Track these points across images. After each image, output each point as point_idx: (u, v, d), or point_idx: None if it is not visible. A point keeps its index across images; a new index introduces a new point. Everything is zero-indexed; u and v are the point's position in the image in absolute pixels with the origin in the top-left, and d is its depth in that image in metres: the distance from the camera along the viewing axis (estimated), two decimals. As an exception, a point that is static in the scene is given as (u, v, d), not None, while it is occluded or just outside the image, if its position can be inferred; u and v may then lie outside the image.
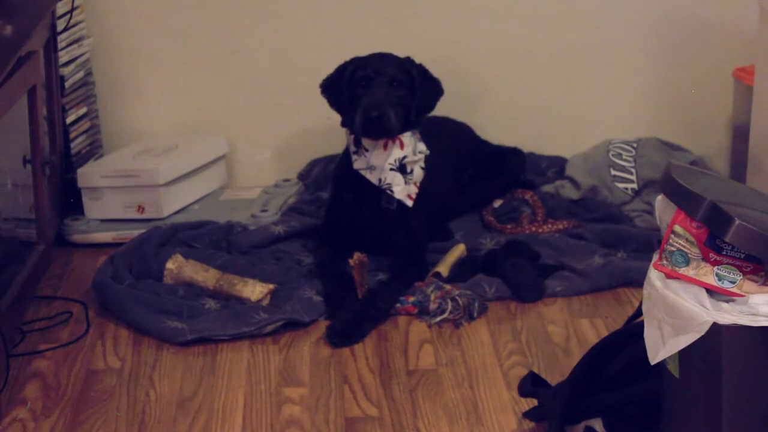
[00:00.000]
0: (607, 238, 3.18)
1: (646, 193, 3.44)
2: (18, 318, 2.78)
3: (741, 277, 1.97)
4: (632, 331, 2.25)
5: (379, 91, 2.97)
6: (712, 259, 1.99)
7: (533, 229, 3.25)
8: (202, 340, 2.78)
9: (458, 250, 3.10)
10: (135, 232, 3.27)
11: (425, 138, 3.11)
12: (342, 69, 3.08)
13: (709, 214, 1.97)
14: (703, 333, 1.93)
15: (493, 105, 3.65)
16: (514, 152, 3.51)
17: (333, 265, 3.02)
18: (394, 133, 2.97)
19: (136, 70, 3.61)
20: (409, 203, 3.03)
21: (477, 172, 3.44)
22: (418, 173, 3.04)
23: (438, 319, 2.84)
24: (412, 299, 2.89)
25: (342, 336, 2.77)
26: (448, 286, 2.91)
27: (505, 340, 2.77)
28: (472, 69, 3.62)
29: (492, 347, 2.74)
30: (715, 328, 1.93)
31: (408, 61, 3.07)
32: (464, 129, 3.52)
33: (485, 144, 3.54)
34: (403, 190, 3.02)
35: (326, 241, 3.12)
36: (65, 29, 3.33)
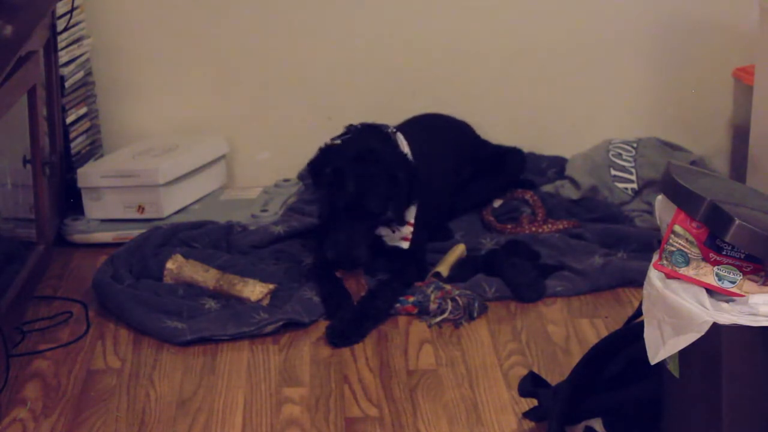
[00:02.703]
0: (607, 238, 3.18)
1: (646, 193, 3.44)
2: (18, 318, 2.78)
3: (741, 277, 1.97)
4: (632, 331, 2.25)
5: (352, 232, 2.89)
6: (712, 259, 1.99)
7: (533, 229, 3.25)
8: (202, 340, 2.78)
9: (458, 250, 3.10)
10: (135, 232, 3.27)
11: (424, 134, 3.10)
12: (321, 163, 2.98)
13: (709, 214, 1.97)
14: (703, 333, 1.93)
15: (493, 105, 3.65)
16: (514, 152, 3.51)
17: (330, 266, 3.01)
18: (368, 262, 2.95)
19: (136, 70, 3.61)
20: (405, 245, 3.01)
21: (477, 171, 3.43)
22: (410, 212, 3.02)
23: (438, 319, 2.84)
24: (412, 299, 2.89)
25: (342, 336, 2.77)
26: (448, 286, 2.90)
27: (505, 340, 2.77)
28: (471, 69, 3.62)
29: (492, 347, 2.74)
30: (715, 328, 1.93)
31: (392, 167, 2.93)
32: (464, 127, 3.52)
33: (485, 143, 3.53)
34: (396, 237, 3.01)
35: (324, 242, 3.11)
36: (65, 29, 3.33)
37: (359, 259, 2.91)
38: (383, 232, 3.01)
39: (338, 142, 3.04)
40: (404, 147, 3.05)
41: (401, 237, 3.00)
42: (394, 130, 3.08)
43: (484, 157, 3.46)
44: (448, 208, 3.33)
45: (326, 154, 3.00)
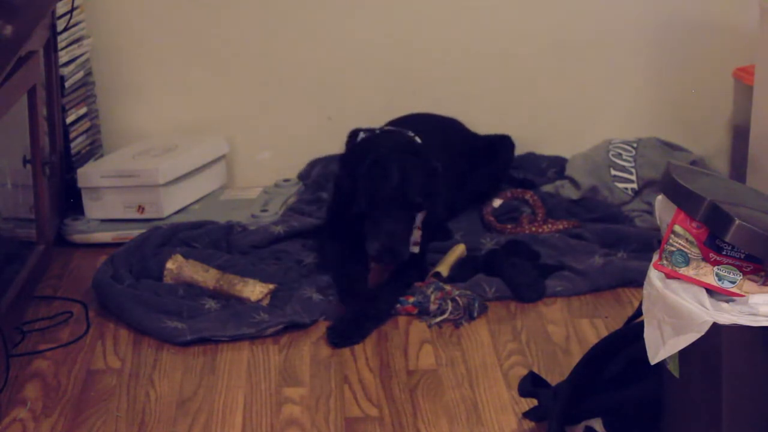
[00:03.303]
0: (607, 238, 3.18)
1: (646, 193, 3.44)
2: (18, 318, 2.78)
3: (741, 277, 1.97)
4: (632, 331, 2.25)
5: (395, 224, 2.87)
6: (712, 259, 1.99)
7: (533, 229, 3.25)
8: (202, 340, 2.78)
9: (458, 250, 3.10)
10: (135, 232, 3.27)
11: (420, 134, 3.09)
12: (358, 154, 2.96)
13: (709, 214, 1.97)
14: (703, 333, 1.93)
15: (493, 105, 3.65)
16: (503, 139, 3.51)
17: (341, 257, 3.00)
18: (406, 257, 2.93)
19: (136, 70, 3.61)
20: (416, 250, 2.98)
21: (472, 165, 3.43)
22: (417, 219, 3.01)
23: (438, 319, 2.84)
24: (412, 299, 2.89)
25: (342, 336, 2.77)
26: (448, 287, 2.90)
27: (505, 340, 2.77)
28: (471, 69, 3.62)
29: (492, 347, 2.74)
30: (715, 328, 1.93)
31: (430, 159, 2.95)
32: (455, 124, 3.51)
33: (475, 136, 3.53)
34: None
35: (332, 235, 3.09)
36: (65, 29, 3.33)
37: (402, 254, 2.88)
38: None
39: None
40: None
41: (413, 242, 2.99)
42: (413, 134, 3.08)
43: (476, 150, 3.46)
44: (447, 207, 3.32)
45: (362, 145, 2.98)
